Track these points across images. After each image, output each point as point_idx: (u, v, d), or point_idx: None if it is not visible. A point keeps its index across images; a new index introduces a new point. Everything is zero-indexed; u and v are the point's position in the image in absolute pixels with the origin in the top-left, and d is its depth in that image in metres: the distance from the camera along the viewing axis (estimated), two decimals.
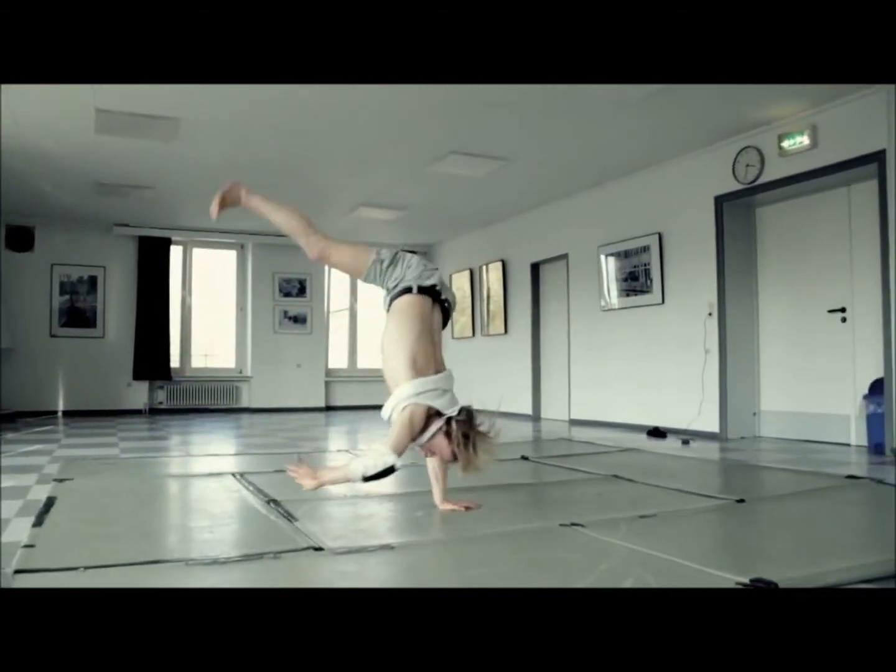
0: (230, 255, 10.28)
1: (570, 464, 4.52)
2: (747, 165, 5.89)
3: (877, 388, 5.12)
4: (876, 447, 5.08)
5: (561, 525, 2.76)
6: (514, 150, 6.47)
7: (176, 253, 9.81)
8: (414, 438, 2.70)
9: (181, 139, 6.01)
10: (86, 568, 2.16)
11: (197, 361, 10.00)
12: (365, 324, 11.08)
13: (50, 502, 3.18)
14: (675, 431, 6.51)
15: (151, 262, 9.52)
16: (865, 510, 3.31)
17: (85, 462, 4.67)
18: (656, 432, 6.54)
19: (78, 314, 9.28)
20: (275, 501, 3.18)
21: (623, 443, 5.83)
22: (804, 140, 5.40)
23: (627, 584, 2.01)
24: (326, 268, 10.68)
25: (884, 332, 5.01)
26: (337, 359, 10.85)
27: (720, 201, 6.20)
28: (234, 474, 4.07)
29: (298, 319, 10.34)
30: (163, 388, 9.62)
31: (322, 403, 10.48)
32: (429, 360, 2.78)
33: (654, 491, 3.58)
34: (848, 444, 5.50)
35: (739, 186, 6.00)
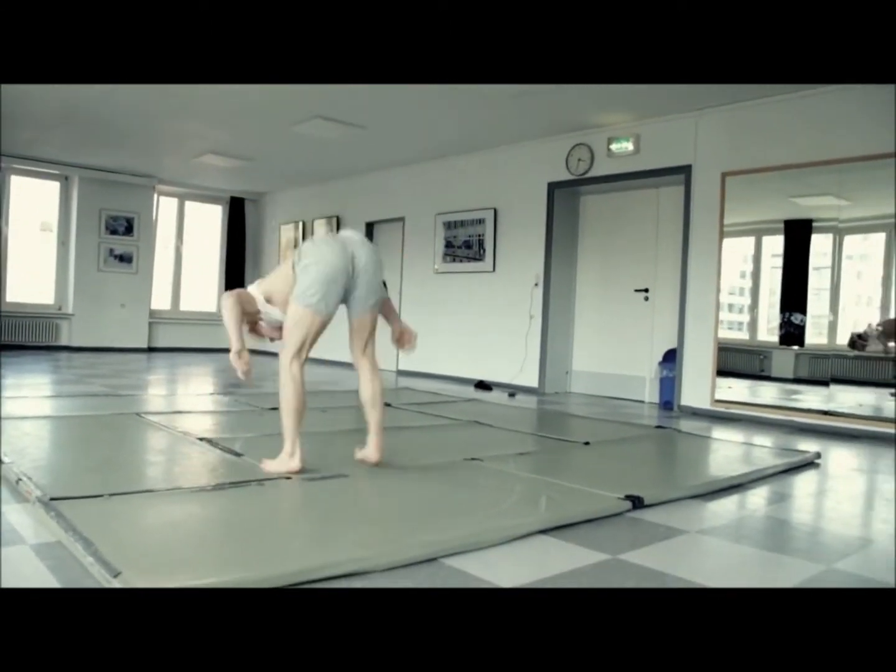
0: (53, 187, 9.79)
1: (430, 410, 5.23)
2: (579, 160, 6.84)
3: (669, 356, 6.32)
4: (665, 404, 6.29)
5: (465, 459, 3.46)
6: (371, 119, 6.91)
7: None
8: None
9: None
10: (110, 495, 2.51)
11: (12, 295, 9.49)
12: (190, 266, 11.07)
13: None
14: (499, 385, 7.46)
15: None
16: (678, 449, 4.36)
17: None
18: (482, 385, 7.44)
19: None
20: (207, 440, 3.60)
21: (453, 393, 6.63)
22: (629, 146, 6.40)
23: (542, 501, 2.75)
24: (155, 207, 10.50)
25: (679, 312, 6.18)
26: (161, 300, 10.75)
27: (552, 187, 7.13)
28: (138, 414, 4.35)
29: (124, 258, 10.10)
30: None
31: (145, 344, 10.38)
32: None
33: (515, 435, 4.39)
34: (642, 402, 6.71)
35: (570, 177, 6.94)
